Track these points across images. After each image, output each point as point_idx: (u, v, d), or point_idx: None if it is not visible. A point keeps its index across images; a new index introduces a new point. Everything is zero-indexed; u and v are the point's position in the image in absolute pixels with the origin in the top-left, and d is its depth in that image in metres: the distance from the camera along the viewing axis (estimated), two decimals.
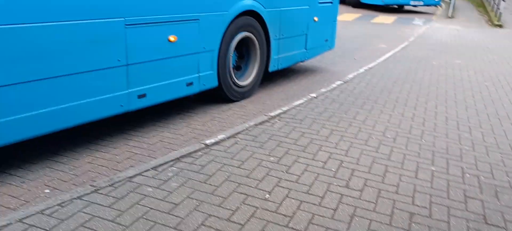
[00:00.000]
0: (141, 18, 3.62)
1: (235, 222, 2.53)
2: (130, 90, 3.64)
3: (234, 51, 4.96)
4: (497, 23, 14.79)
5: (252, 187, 2.94)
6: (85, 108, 3.34)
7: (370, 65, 7.13)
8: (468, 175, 3.30)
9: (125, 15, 3.48)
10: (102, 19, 3.31)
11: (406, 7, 18.90)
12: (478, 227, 2.64)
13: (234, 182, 3.00)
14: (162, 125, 4.28)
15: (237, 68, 5.29)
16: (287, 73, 6.75)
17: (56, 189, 2.99)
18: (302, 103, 4.85)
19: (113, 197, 2.71)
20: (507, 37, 12.01)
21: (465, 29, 13.47)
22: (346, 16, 15.62)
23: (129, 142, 3.83)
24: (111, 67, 3.45)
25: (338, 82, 5.87)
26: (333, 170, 3.27)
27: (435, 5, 18.63)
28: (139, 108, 3.83)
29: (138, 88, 3.72)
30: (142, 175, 3.00)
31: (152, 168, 3.10)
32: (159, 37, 3.85)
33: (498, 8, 15.85)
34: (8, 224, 2.36)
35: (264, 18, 5.16)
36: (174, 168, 3.14)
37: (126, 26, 3.49)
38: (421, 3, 17.65)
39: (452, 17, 17.00)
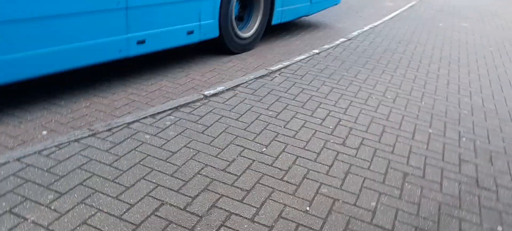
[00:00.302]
0: None
1: (231, 173, 2.55)
2: (129, 35, 3.58)
3: (237, 0, 4.85)
4: None
5: (249, 140, 2.95)
6: (83, 51, 3.29)
7: (375, 24, 7.00)
8: (464, 139, 3.31)
9: None
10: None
11: None
12: (470, 189, 2.68)
13: (231, 134, 3.00)
14: (161, 74, 4.24)
15: (240, 19, 5.18)
16: (290, 27, 6.64)
17: (54, 131, 2.99)
18: (303, 59, 4.79)
19: (111, 141, 2.72)
20: None
21: None
22: None
23: (128, 88, 3.81)
24: (110, 10, 3.37)
25: (341, 40, 5.78)
26: (331, 127, 3.27)
27: None
28: (138, 54, 3.78)
29: (137, 34, 3.65)
30: (140, 122, 3.00)
31: (150, 116, 3.10)
32: None
33: None
34: (6, 163, 2.38)
35: None
36: (172, 117, 3.13)
37: None
38: None
39: None
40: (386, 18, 7.62)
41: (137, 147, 2.70)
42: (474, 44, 6.41)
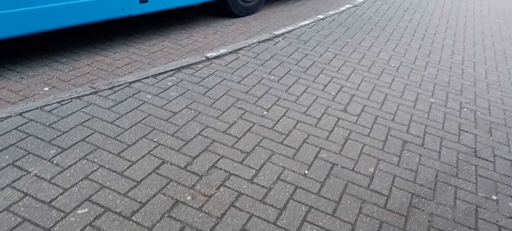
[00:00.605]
0: None
1: (231, 135, 2.57)
2: None
3: None
4: None
5: (250, 103, 2.96)
6: (83, 8, 3.25)
7: None
8: (465, 110, 3.31)
9: None
10: None
11: None
12: (467, 159, 2.70)
13: (233, 96, 3.00)
14: (163, 35, 4.20)
15: None
16: None
17: (55, 87, 3.00)
18: (308, 24, 4.73)
19: (112, 100, 2.73)
20: None
21: None
22: None
23: (130, 48, 3.79)
24: None
25: (347, 6, 5.69)
26: (333, 93, 3.27)
27: None
28: (140, 14, 3.74)
29: None
30: (142, 82, 3.00)
31: (151, 76, 3.10)
32: None
33: None
34: (8, 117, 2.40)
35: None
36: (174, 78, 3.13)
37: None
38: None
39: None
40: None
41: (138, 106, 2.71)
42: (481, 15, 6.31)
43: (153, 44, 3.94)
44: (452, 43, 4.84)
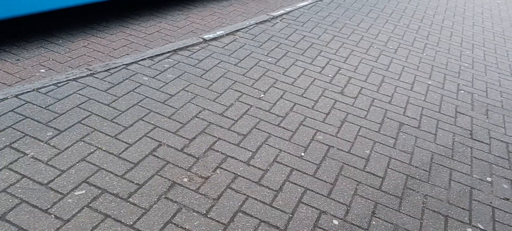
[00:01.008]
0: None
1: (228, 117, 2.57)
2: None
3: None
4: None
5: (247, 85, 2.95)
6: None
7: None
8: (462, 92, 3.31)
9: None
10: None
11: None
12: (463, 141, 2.71)
13: (230, 79, 3.00)
14: (160, 16, 4.17)
15: None
16: None
17: (51, 69, 2.99)
18: (306, 6, 4.70)
19: (109, 82, 2.72)
20: None
21: None
22: None
23: (126, 29, 3.76)
24: None
25: None
26: (330, 75, 3.26)
27: None
28: None
29: None
30: (138, 64, 2.99)
31: (148, 58, 3.08)
32: None
33: None
34: (4, 99, 2.39)
35: None
36: (171, 60, 3.12)
37: None
38: None
39: None
40: None
41: (135, 88, 2.71)
42: None
43: (150, 26, 3.91)
44: (451, 24, 4.82)
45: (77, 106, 2.44)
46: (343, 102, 2.92)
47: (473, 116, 3.00)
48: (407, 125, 2.78)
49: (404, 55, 3.82)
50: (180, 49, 3.29)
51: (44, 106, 2.39)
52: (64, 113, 2.37)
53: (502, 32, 4.84)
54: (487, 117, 3.00)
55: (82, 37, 3.50)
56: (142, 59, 3.05)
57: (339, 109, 2.83)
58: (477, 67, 3.80)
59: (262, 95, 2.87)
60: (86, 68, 2.83)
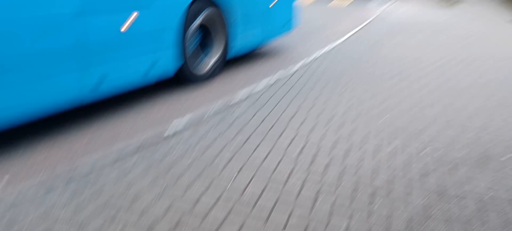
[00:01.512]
0: (93, 5, 3.46)
1: (199, 209, 2.49)
2: (84, 81, 3.49)
3: (193, 35, 4.87)
4: (450, 2, 15.26)
5: (217, 172, 2.91)
6: (35, 102, 3.18)
7: (331, 46, 7.20)
8: (427, 150, 3.39)
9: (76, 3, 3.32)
10: (50, 8, 3.13)
11: None
12: (438, 199, 2.72)
13: (198, 167, 2.95)
14: (125, 109, 4.15)
15: (198, 52, 5.20)
16: (250, 55, 6.71)
17: (15, 175, 2.83)
18: (267, 84, 4.83)
19: (72, 185, 2.60)
20: (458, 15, 12.42)
21: (421, 8, 13.83)
22: (303, 0, 15.68)
23: (90, 128, 3.69)
24: (64, 49, 3.28)
25: (302, 62, 5.89)
26: (298, 151, 3.28)
27: None
28: (95, 99, 3.69)
29: (92, 78, 3.57)
30: (103, 162, 2.90)
31: (112, 158, 3.00)
32: (114, 24, 3.70)
33: None
34: None
35: (221, 2, 5.07)
36: (137, 155, 3.05)
37: (75, 14, 3.33)
38: None
39: None
40: (343, 38, 7.86)
41: (100, 188, 2.60)
42: (426, 58, 6.68)
43: (114, 121, 3.86)
44: (405, 86, 5.05)
45: (39, 213, 2.30)
46: (314, 176, 2.91)
47: (441, 172, 3.04)
48: (380, 188, 2.78)
49: (365, 121, 3.92)
50: (146, 142, 3.24)
51: (5, 216, 2.24)
52: (28, 222, 2.21)
53: (452, 88, 5.11)
54: (456, 172, 3.06)
55: (45, 139, 3.40)
56: (107, 157, 2.96)
57: (311, 184, 2.81)
58: (437, 124, 3.93)
59: (233, 180, 2.82)
60: (49, 173, 2.71)
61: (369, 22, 10.19)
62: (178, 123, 3.62)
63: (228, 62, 5.97)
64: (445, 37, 8.56)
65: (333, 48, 7.01)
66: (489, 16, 12.36)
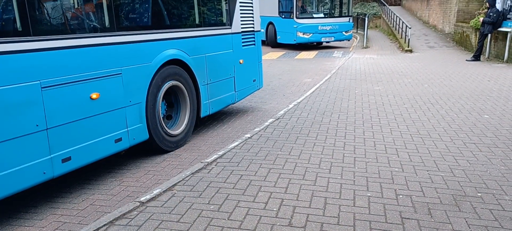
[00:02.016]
0: (58, 79, 3.44)
1: None
2: (52, 155, 3.40)
3: (163, 101, 4.88)
4: (407, 48, 16.06)
5: None
6: (2, 180, 3.04)
7: (298, 100, 7.35)
8: (401, 196, 3.43)
9: (41, 77, 3.29)
10: (14, 84, 3.09)
11: (324, 43, 19.40)
12: None
13: None
14: (92, 187, 4.03)
15: (168, 117, 5.20)
16: (220, 116, 6.75)
17: None
18: (237, 145, 4.83)
19: None
20: (417, 60, 13.05)
21: (380, 57, 14.46)
22: (271, 55, 16.13)
23: (57, 210, 3.56)
24: (29, 134, 3.21)
25: (270, 120, 5.96)
26: (275, 209, 3.25)
27: (347, 39, 18.73)
28: (64, 173, 3.58)
29: (61, 152, 3.48)
30: None
31: None
32: (80, 96, 3.68)
33: (406, 35, 17.25)
34: None
35: (190, 65, 5.16)
36: (112, 229, 2.94)
37: (43, 88, 3.30)
38: (332, 38, 17.85)
39: (367, 47, 18.21)
40: (308, 93, 8.05)
41: None
42: (389, 104, 6.91)
43: (82, 200, 3.74)
44: (371, 135, 5.18)
45: None
46: None
47: (418, 218, 3.08)
48: None
49: (338, 173, 3.96)
50: (116, 219, 3.13)
51: None
52: None
53: (417, 132, 5.27)
54: (431, 216, 3.09)
55: (9, 229, 3.23)
56: None
57: None
58: (407, 169, 4.02)
59: None
60: None
61: (334, 73, 10.53)
62: (150, 193, 3.54)
63: (198, 126, 5.97)
64: (407, 82, 8.93)
65: (301, 102, 7.16)
66: (448, 58, 13.04)
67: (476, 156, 4.36)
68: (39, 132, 3.29)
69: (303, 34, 17.24)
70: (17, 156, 3.14)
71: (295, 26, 17.17)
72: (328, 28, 17.56)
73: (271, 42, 18.77)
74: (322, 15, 18.44)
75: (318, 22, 17.57)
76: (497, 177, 3.78)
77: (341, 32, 17.95)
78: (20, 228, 3.27)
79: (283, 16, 17.82)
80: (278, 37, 18.34)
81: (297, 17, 17.14)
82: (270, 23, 18.58)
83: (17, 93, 3.11)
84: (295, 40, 17.38)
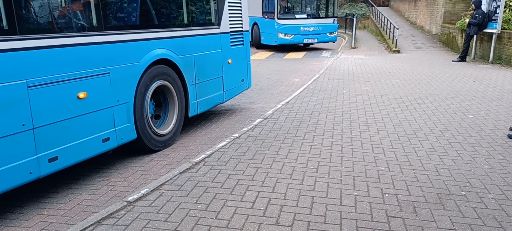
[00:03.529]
0: (45, 78, 3.42)
1: None
2: (39, 155, 3.38)
3: (151, 100, 4.87)
4: (395, 49, 16.22)
5: None
6: None
7: (286, 100, 7.38)
8: (387, 195, 3.48)
9: (27, 77, 3.26)
10: (0, 83, 3.06)
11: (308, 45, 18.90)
12: None
13: None
14: (79, 186, 4.01)
15: (156, 117, 5.19)
16: (208, 116, 6.75)
17: None
18: (225, 145, 4.84)
19: None
20: (404, 60, 13.19)
21: (368, 57, 14.58)
22: (260, 55, 16.16)
23: (43, 210, 3.53)
24: (15, 133, 3.18)
25: (259, 120, 5.98)
26: (262, 208, 3.27)
27: (332, 41, 17.94)
28: (51, 172, 3.55)
29: (48, 152, 3.46)
30: None
31: None
32: (68, 96, 3.66)
33: (394, 35, 17.42)
34: None
35: (178, 65, 5.15)
36: (100, 228, 2.93)
37: (29, 87, 3.27)
38: (315, 40, 17.26)
39: (355, 47, 18.34)
40: (296, 93, 8.09)
41: None
42: (377, 104, 6.98)
43: (70, 200, 3.72)
44: (358, 134, 5.23)
45: None
46: None
47: (403, 217, 3.12)
48: None
49: (325, 172, 3.99)
50: (103, 218, 3.12)
51: None
52: None
53: (404, 131, 5.34)
54: (416, 215, 3.14)
55: None
56: None
57: None
58: (393, 168, 4.07)
59: None
60: None
61: (322, 73, 10.59)
62: (137, 193, 3.53)
63: (186, 126, 5.97)
64: (394, 82, 9.02)
65: (289, 101, 7.19)
66: (434, 59, 13.20)
67: (461, 155, 4.43)
68: (25, 132, 3.26)
69: (285, 35, 16.67)
70: (3, 155, 3.11)
71: (276, 26, 16.57)
72: (310, 29, 16.98)
73: (256, 43, 18.23)
74: (305, 15, 17.68)
75: (300, 23, 16.94)
76: (481, 176, 3.85)
77: (325, 33, 17.30)
78: (6, 228, 3.24)
79: (266, 17, 17.22)
80: (262, 38, 17.78)
81: (278, 18, 16.54)
82: (255, 23, 18.02)
83: (2, 92, 3.08)
84: (276, 42, 16.81)
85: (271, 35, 16.93)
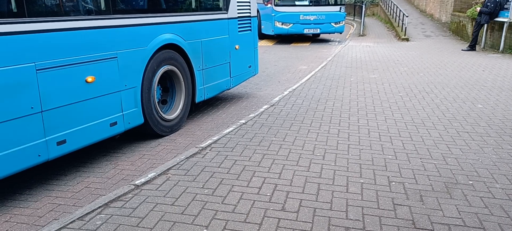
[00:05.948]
0: (53, 61, 3.42)
1: None
2: (47, 138, 3.40)
3: (158, 85, 4.87)
4: (404, 37, 16.06)
5: (187, 223, 2.86)
6: None
7: (293, 87, 7.36)
8: (394, 183, 3.47)
9: (36, 60, 3.27)
10: (9, 66, 3.08)
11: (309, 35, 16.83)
12: None
13: (168, 221, 2.89)
14: (87, 170, 4.04)
15: (163, 102, 5.19)
16: (215, 102, 6.75)
17: None
18: (232, 131, 4.85)
19: None
20: (413, 49, 13.07)
21: (376, 45, 14.45)
22: (267, 41, 16.07)
23: (52, 192, 3.57)
24: (24, 116, 3.21)
25: (265, 106, 5.97)
26: (268, 194, 3.28)
27: (339, 32, 15.84)
28: (59, 155, 3.58)
29: (56, 135, 3.48)
30: (68, 228, 2.79)
31: (78, 218, 2.90)
32: (76, 79, 3.67)
33: (404, 23, 17.24)
34: None
35: (185, 50, 5.14)
36: (103, 215, 2.96)
37: (38, 71, 3.29)
38: (318, 30, 15.24)
39: (364, 35, 18.19)
40: (303, 80, 8.05)
41: None
42: (384, 92, 6.94)
43: (77, 183, 3.75)
44: (366, 122, 5.20)
45: None
46: (286, 219, 2.91)
47: (410, 205, 3.12)
48: (352, 228, 2.81)
49: (332, 159, 3.99)
50: (111, 201, 3.15)
51: None
52: None
53: (411, 120, 5.31)
54: (423, 203, 3.14)
55: (3, 211, 3.24)
56: (71, 222, 2.86)
57: (284, 228, 2.80)
58: (400, 157, 4.05)
59: (205, 230, 2.77)
60: None
61: (329, 60, 10.53)
62: (144, 177, 3.55)
63: (193, 111, 5.98)
64: (403, 70, 8.95)
65: (296, 89, 7.17)
66: (444, 48, 13.07)
67: (469, 144, 4.40)
68: (34, 115, 3.28)
69: (282, 24, 14.79)
70: (12, 138, 3.13)
71: (273, 14, 14.77)
72: (312, 18, 14.95)
73: (258, 32, 16.77)
74: (306, 2, 15.39)
75: (300, 11, 14.95)
76: (488, 166, 3.83)
77: (329, 23, 15.14)
78: (15, 209, 3.28)
79: (265, 3, 15.32)
80: (262, 27, 16.02)
81: (275, 4, 14.72)
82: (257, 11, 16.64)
83: (11, 75, 3.09)
84: (273, 31, 15.05)
85: (268, 23, 15.28)
